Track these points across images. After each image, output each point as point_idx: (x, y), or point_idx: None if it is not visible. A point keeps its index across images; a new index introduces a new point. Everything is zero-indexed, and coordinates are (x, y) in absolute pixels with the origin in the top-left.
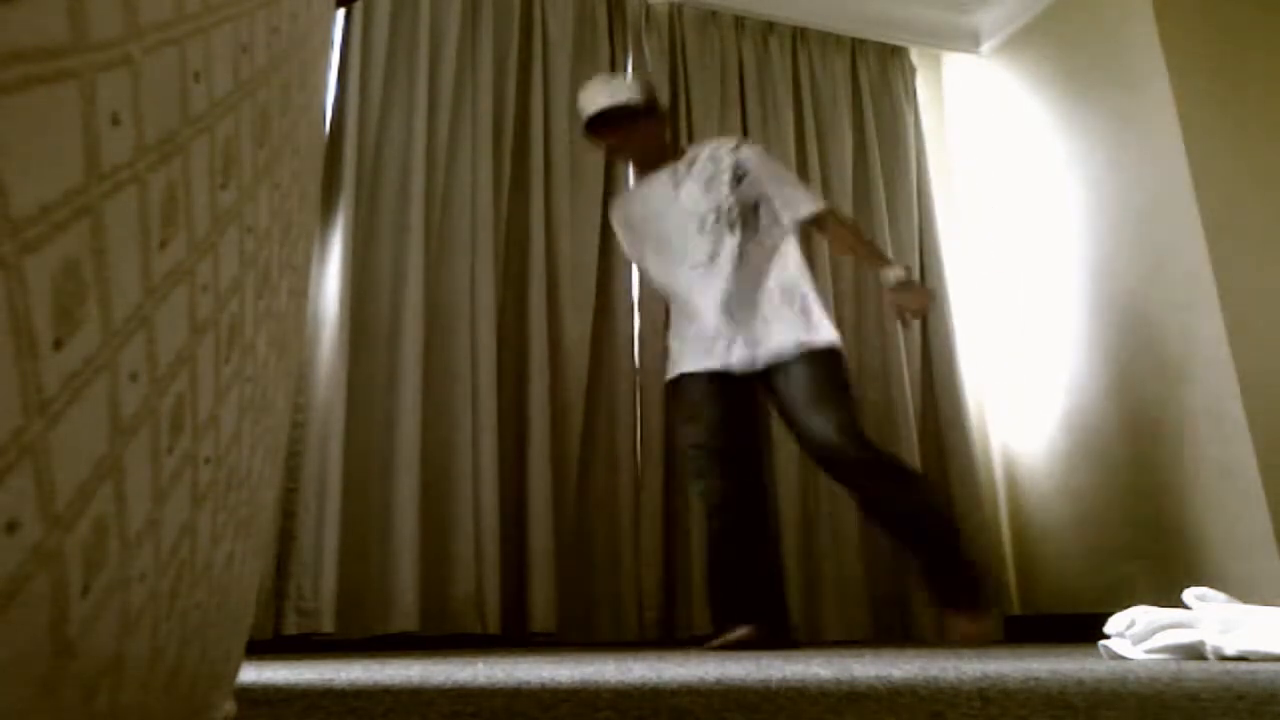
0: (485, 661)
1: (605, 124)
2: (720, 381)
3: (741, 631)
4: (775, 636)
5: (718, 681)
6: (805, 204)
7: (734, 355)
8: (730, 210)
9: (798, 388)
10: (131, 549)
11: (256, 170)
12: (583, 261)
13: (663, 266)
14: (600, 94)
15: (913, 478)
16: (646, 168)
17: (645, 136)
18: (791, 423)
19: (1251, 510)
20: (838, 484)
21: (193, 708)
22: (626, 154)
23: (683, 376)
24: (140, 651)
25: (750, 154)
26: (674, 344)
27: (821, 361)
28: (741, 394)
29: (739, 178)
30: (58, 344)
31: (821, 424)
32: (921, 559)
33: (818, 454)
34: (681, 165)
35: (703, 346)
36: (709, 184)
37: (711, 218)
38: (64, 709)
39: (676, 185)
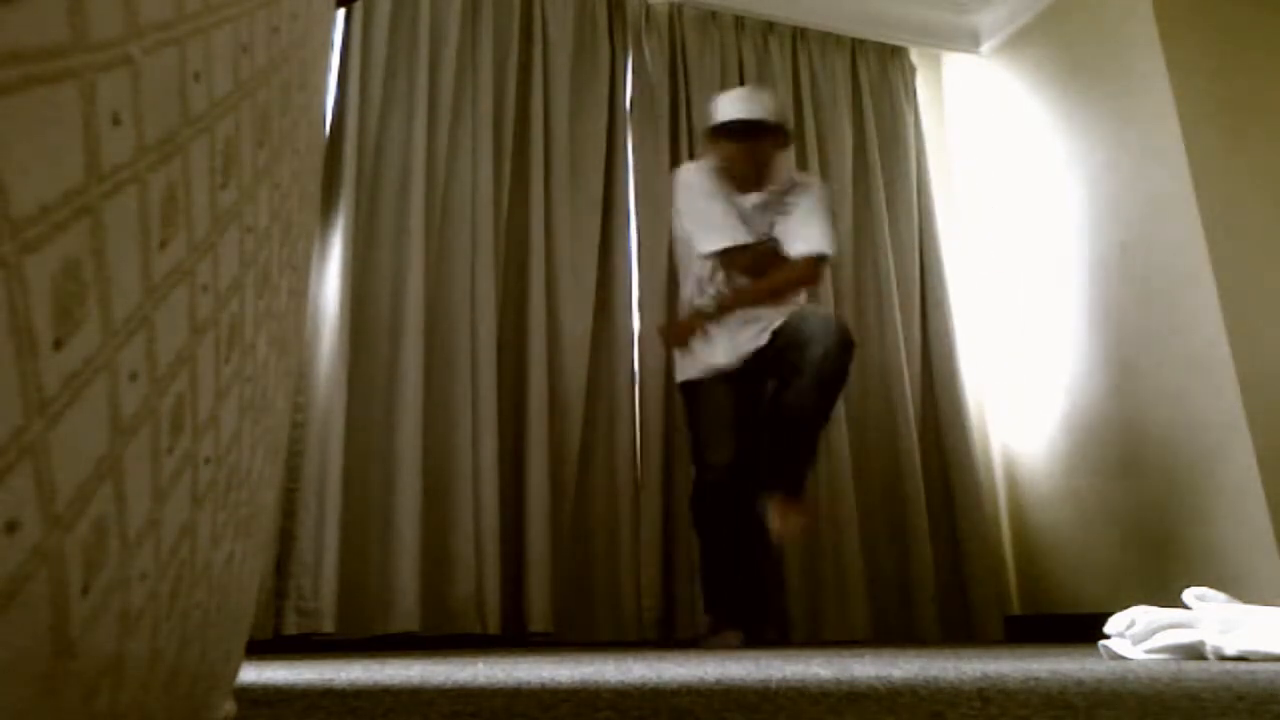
0: (485, 661)
1: (741, 132)
2: (731, 381)
3: (734, 637)
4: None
5: (718, 681)
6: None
7: (745, 347)
8: None
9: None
10: (131, 549)
11: (256, 170)
12: (583, 261)
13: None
14: (750, 104)
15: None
16: (747, 184)
17: (769, 156)
18: (799, 333)
19: (1251, 510)
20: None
21: (193, 708)
22: (746, 164)
23: (702, 380)
24: (140, 651)
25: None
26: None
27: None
28: (749, 389)
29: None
30: (58, 344)
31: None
32: (792, 449)
33: (833, 341)
34: (774, 193)
35: (724, 342)
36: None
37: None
38: (64, 709)
39: (766, 214)
